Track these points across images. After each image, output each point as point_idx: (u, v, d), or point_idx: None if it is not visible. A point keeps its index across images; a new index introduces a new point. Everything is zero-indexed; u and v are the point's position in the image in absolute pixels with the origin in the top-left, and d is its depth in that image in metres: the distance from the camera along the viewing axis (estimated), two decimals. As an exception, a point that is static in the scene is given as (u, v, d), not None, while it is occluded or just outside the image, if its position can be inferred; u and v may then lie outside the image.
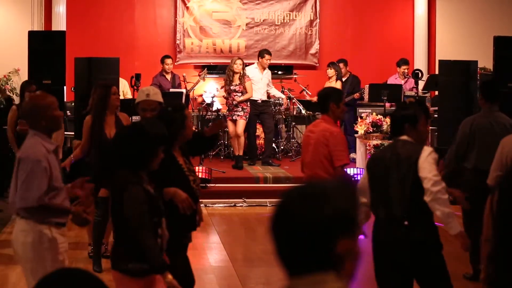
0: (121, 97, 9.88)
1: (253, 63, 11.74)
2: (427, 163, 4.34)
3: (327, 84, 11.54)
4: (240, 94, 11.03)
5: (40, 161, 4.18)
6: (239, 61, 11.08)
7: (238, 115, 11.01)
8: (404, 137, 4.51)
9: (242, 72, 11.05)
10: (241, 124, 11.02)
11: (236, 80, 11.04)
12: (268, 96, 11.69)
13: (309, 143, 5.74)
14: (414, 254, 4.40)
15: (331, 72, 11.64)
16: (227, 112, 11.25)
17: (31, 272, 4.32)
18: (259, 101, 11.32)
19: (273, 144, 11.82)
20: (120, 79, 10.58)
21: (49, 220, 4.28)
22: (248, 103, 11.10)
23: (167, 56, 11.90)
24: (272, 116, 11.56)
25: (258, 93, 11.32)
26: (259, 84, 11.35)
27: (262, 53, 11.59)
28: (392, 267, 4.48)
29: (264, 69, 11.52)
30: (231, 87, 11.07)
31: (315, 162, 5.65)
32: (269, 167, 11.19)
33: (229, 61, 11.44)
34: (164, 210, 4.01)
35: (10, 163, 5.69)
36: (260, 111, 11.34)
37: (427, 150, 4.41)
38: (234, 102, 11.08)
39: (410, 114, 4.53)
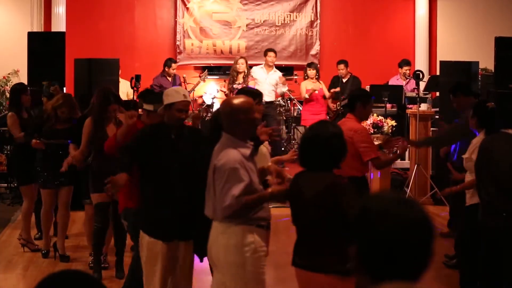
0: (124, 98, 9.88)
1: (254, 64, 11.71)
2: None
3: (307, 84, 11.49)
4: None
5: (236, 169, 4.00)
6: (241, 60, 11.20)
7: None
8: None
9: (246, 72, 11.11)
10: None
11: (240, 79, 11.08)
12: (277, 96, 11.62)
13: None
14: None
15: (311, 73, 11.54)
16: None
17: (232, 276, 4.12)
18: (263, 102, 11.22)
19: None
20: (122, 80, 10.56)
21: (250, 221, 4.11)
22: None
23: (173, 61, 11.80)
24: (275, 119, 11.38)
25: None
26: (263, 85, 11.22)
27: (265, 52, 11.65)
28: (499, 254, 4.85)
29: (270, 68, 11.42)
30: (234, 86, 11.06)
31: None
32: (269, 168, 11.14)
33: (229, 62, 11.50)
34: None
35: None
36: (263, 113, 11.20)
37: None
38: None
39: None
